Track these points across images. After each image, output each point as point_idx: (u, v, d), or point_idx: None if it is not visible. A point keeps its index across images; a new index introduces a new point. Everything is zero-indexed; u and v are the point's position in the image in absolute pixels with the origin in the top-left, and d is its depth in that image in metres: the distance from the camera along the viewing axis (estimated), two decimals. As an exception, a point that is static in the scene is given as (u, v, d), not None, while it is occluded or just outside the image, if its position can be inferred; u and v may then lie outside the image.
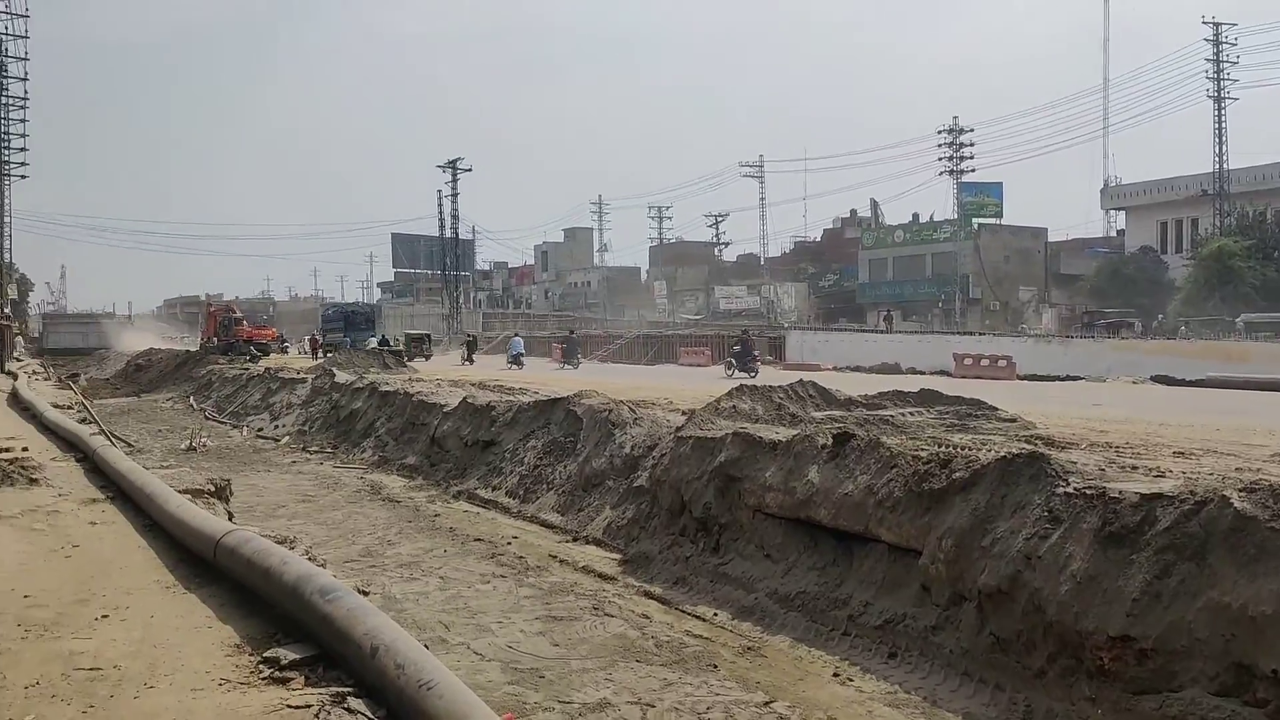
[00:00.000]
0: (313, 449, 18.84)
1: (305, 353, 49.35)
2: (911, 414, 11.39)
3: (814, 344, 37.47)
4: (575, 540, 10.17)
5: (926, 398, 12.53)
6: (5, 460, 9.22)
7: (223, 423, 25.35)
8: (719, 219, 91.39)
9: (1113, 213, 72.14)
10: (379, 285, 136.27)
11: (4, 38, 45.56)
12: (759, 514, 8.20)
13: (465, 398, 15.53)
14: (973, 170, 67.98)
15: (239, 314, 49.38)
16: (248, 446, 20.12)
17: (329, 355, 38.95)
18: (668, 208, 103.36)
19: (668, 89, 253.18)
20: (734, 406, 10.88)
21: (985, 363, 30.74)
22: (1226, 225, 54.26)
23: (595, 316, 78.77)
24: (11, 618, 5.38)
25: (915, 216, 76.53)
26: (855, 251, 78.83)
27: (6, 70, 47.33)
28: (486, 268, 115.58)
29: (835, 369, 31.26)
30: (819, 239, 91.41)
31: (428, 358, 44.16)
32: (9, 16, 45.40)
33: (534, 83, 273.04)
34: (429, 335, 49.42)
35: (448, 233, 78.24)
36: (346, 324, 51.39)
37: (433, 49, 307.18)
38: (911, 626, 6.50)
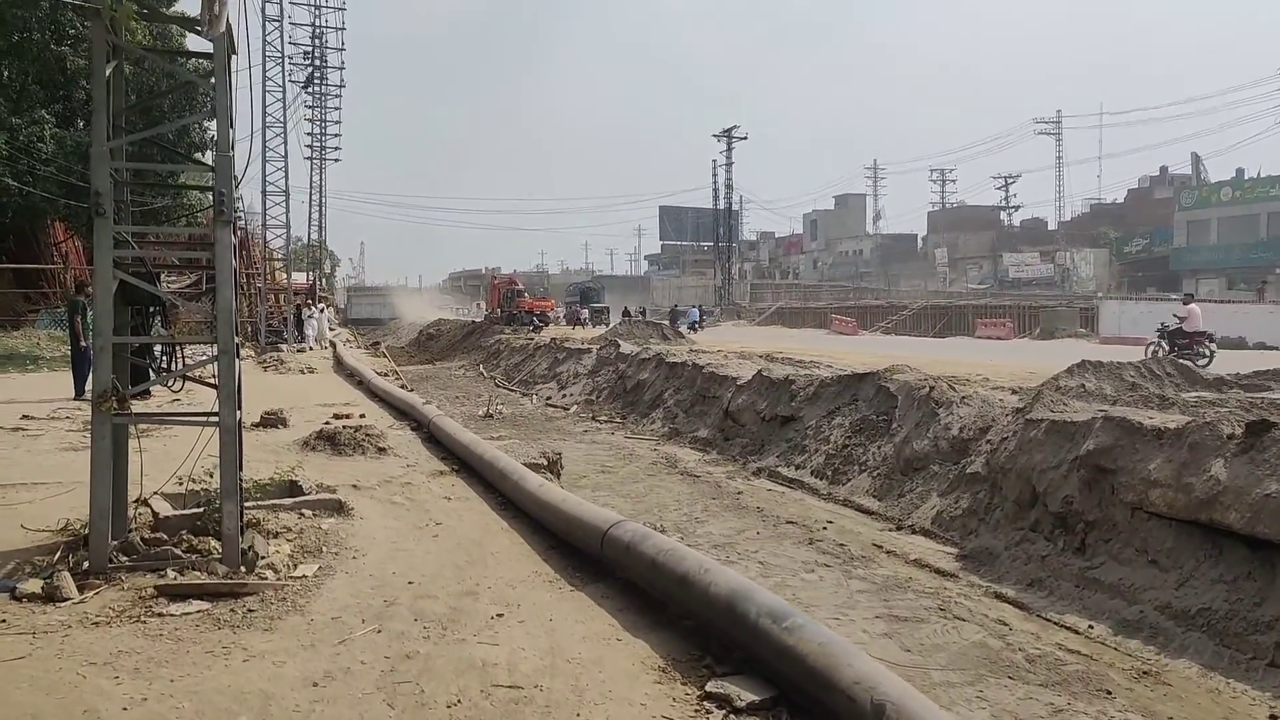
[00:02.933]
0: (602, 418, 19.02)
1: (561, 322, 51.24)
2: (1308, 397, 9.52)
3: (1134, 315, 33.37)
4: (899, 529, 9.30)
5: (1319, 378, 10.49)
6: (351, 428, 9.63)
7: (512, 390, 26.36)
8: (1009, 180, 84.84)
9: None
10: (646, 258, 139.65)
11: (324, 29, 49.94)
12: (1139, 512, 6.97)
13: (760, 370, 14.96)
14: (1320, 116, 58.55)
15: (521, 286, 51.82)
16: (539, 414, 20.68)
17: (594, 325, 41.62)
18: (951, 170, 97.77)
19: (942, 48, 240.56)
20: (1081, 385, 9.54)
21: None
22: None
23: (870, 286, 76.01)
24: (406, 610, 5.24)
25: (1240, 173, 67.52)
26: (1165, 213, 70.69)
27: (326, 61, 51.95)
28: (753, 238, 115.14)
29: (1164, 343, 27.61)
30: (1119, 201, 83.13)
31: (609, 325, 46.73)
32: (329, 10, 49.69)
33: (800, 47, 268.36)
34: (607, 307, 53.69)
35: (721, 203, 78.13)
36: (583, 298, 56.56)
37: (695, 23, 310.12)
38: (1376, 666, 5.16)
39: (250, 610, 5.11)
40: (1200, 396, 9.64)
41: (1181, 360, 20.13)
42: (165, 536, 5.96)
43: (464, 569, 6.01)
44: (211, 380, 5.85)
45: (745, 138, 76.60)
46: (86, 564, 5.53)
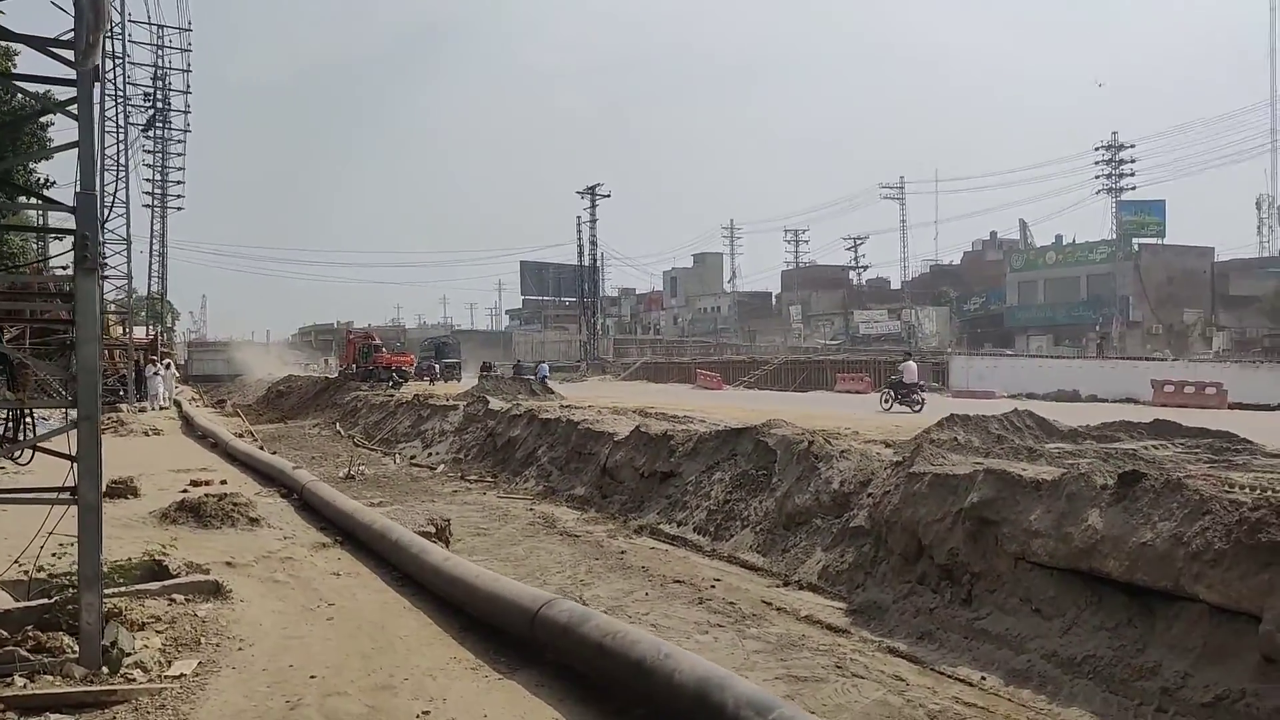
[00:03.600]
0: (471, 478, 18.47)
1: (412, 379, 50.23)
2: (1154, 447, 10.12)
3: (980, 369, 35.34)
4: (786, 585, 9.30)
5: (1161, 429, 11.22)
6: (215, 496, 8.88)
7: (373, 450, 25.34)
8: (858, 241, 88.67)
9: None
10: (507, 312, 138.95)
11: (167, 71, 47.70)
12: (1022, 562, 7.18)
13: (638, 426, 14.89)
14: (1133, 188, 64.39)
15: (378, 341, 50.34)
16: (404, 475, 19.91)
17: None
18: (804, 230, 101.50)
19: (794, 114, 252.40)
20: (954, 438, 9.85)
21: (1190, 390, 28.03)
22: None
23: (730, 342, 77.80)
24: (315, 711, 4.57)
25: (1059, 238, 73.33)
26: (997, 274, 75.88)
27: (169, 104, 49.55)
28: (614, 294, 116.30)
29: (1009, 396, 29.27)
30: (956, 262, 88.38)
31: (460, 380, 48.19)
32: (173, 51, 47.62)
33: (660, 111, 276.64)
34: (458, 362, 55.76)
35: (585, 259, 78.65)
36: (438, 352, 56.52)
37: (558, 81, 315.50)
38: (1256, 706, 5.38)
39: (122, 723, 4.35)
40: (1060, 448, 10.12)
41: (901, 405, 25.62)
42: (7, 634, 5.15)
43: (371, 657, 5.42)
44: (63, 450, 5.15)
45: (608, 195, 77.61)
46: None
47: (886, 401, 27.31)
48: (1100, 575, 6.59)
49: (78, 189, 5.07)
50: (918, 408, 25.08)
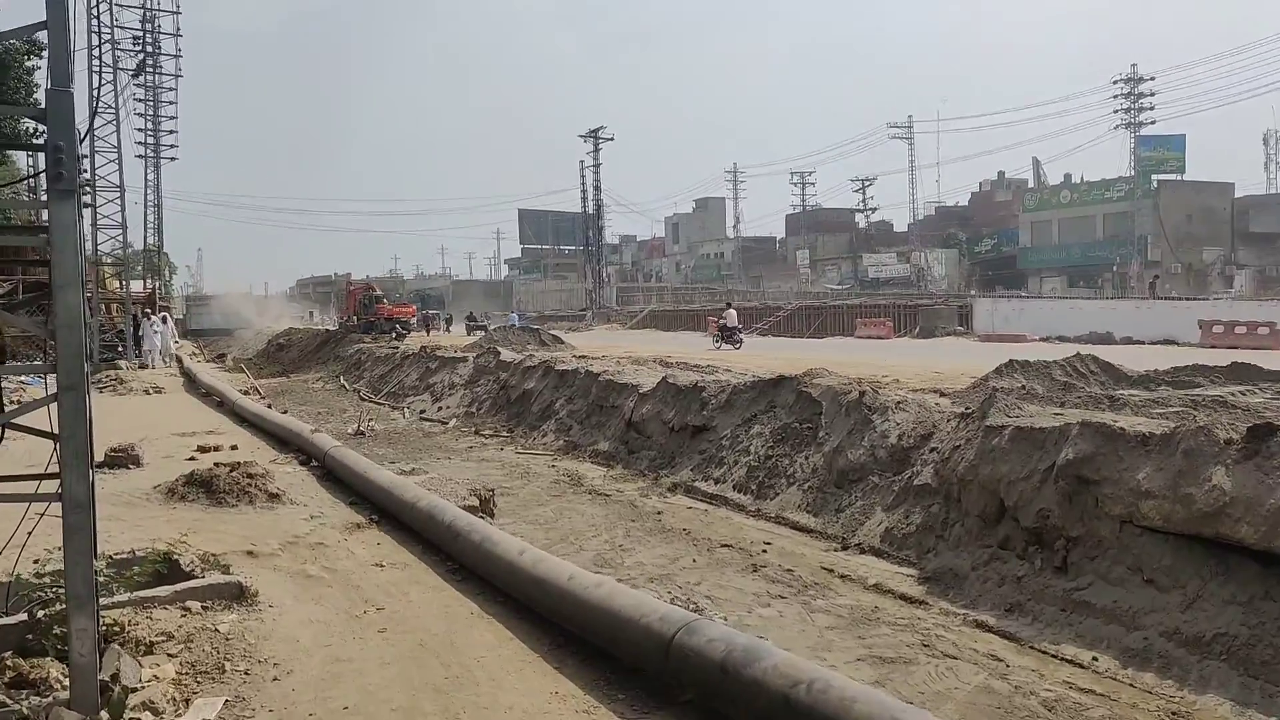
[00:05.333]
0: (486, 432, 17.74)
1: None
2: (1241, 393, 9.29)
3: (1006, 312, 34.25)
4: (845, 549, 8.55)
5: (1241, 373, 10.40)
6: (227, 465, 7.88)
7: (380, 404, 24.59)
8: (866, 183, 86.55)
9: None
10: (506, 262, 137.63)
11: (156, 13, 45.23)
12: (1129, 526, 6.40)
13: (665, 377, 14.07)
14: (1152, 123, 62.20)
15: (379, 292, 49.28)
16: (415, 430, 19.17)
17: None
18: (810, 173, 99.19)
19: (802, 47, 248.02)
20: (1021, 386, 9.02)
21: (1241, 330, 26.64)
22: None
23: (736, 289, 76.75)
24: None
25: (1067, 177, 71.68)
26: (1006, 215, 74.46)
27: (159, 47, 47.34)
28: (615, 241, 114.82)
29: (1040, 339, 28.17)
30: (963, 204, 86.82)
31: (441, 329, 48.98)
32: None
33: (657, 52, 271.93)
34: (437, 314, 57.25)
35: (589, 205, 77.17)
36: (423, 303, 58.95)
37: (552, 23, 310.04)
38: None
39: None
40: (1137, 395, 9.30)
41: (727, 344, 31.22)
42: (-24, 663, 4.05)
43: (448, 692, 4.19)
44: (41, 429, 3.99)
45: (612, 139, 76.17)
46: None
47: (716, 342, 33.00)
48: (1228, 542, 5.81)
49: (47, 85, 3.77)
50: (738, 345, 31.29)
